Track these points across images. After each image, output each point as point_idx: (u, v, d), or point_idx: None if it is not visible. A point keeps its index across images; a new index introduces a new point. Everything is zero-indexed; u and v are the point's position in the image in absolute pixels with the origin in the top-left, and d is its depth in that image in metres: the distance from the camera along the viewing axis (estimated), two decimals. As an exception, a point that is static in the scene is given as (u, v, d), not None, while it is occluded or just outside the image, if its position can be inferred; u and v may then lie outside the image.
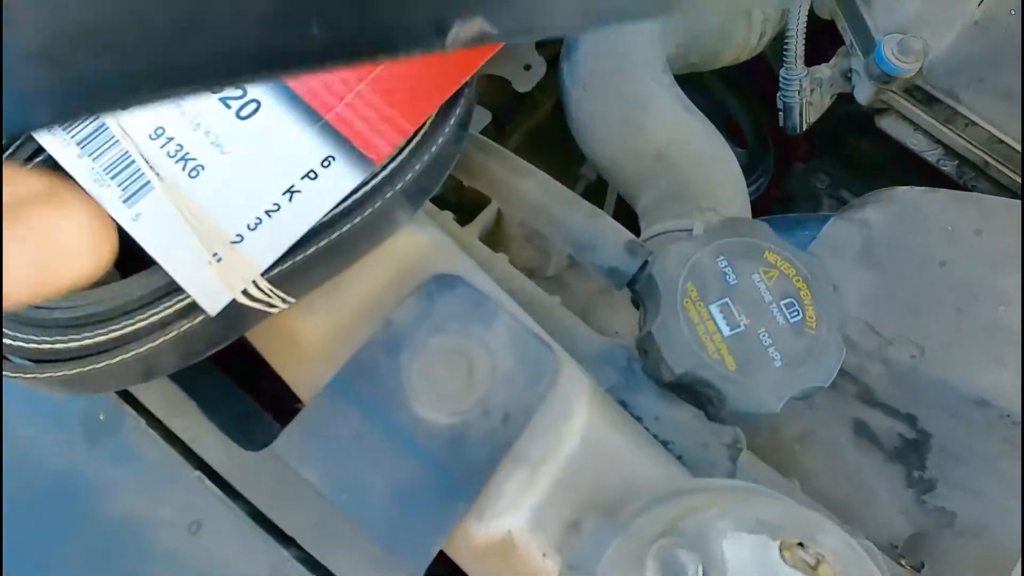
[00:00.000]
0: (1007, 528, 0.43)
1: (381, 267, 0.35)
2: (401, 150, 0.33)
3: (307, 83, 0.34)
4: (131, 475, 0.35)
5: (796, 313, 0.35)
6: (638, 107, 0.46)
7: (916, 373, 0.43)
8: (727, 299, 0.35)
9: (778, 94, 0.55)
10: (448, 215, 0.45)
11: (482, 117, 0.68)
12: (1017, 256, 0.43)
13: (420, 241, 0.36)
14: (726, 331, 0.34)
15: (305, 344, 0.34)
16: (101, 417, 0.36)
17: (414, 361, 0.33)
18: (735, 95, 0.69)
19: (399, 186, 0.33)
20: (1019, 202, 0.45)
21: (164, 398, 0.34)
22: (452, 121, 0.34)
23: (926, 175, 0.58)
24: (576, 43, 0.49)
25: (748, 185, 0.72)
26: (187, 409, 0.34)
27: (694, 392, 0.35)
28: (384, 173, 0.33)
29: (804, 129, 0.56)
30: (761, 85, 0.66)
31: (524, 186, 0.38)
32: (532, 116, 0.78)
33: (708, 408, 0.35)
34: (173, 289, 0.31)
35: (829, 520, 0.26)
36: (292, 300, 0.33)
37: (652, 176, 0.46)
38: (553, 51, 0.65)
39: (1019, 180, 0.51)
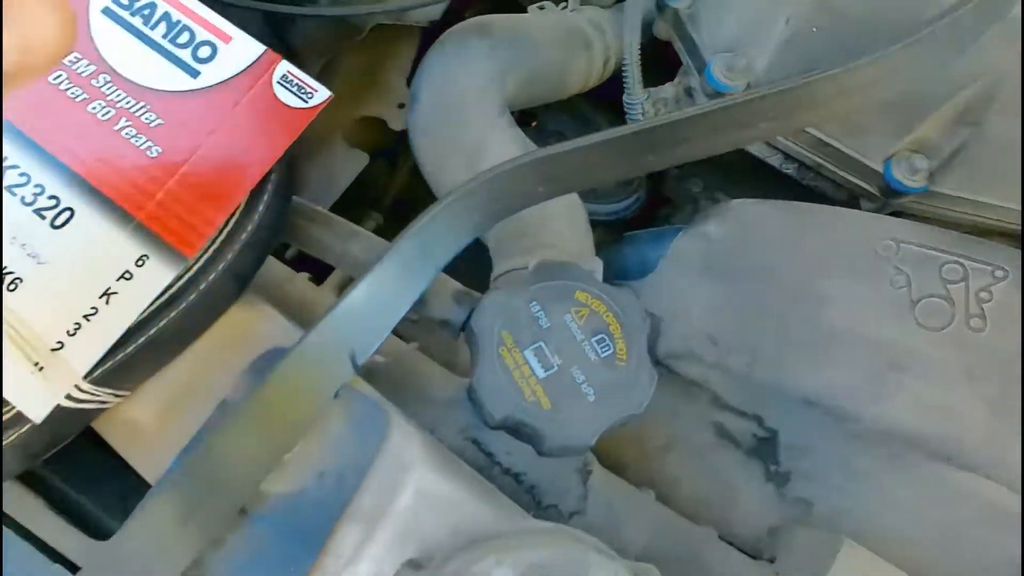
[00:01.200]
0: (848, 508, 0.46)
1: (213, 349, 0.37)
2: (214, 240, 0.35)
3: (119, 186, 0.35)
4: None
5: (607, 347, 0.38)
6: (476, 153, 0.48)
7: (750, 379, 0.46)
8: (541, 342, 0.37)
9: (626, 118, 0.58)
10: (303, 277, 0.47)
11: (359, 160, 0.71)
12: (834, 260, 0.46)
13: (251, 318, 0.38)
14: (541, 373, 0.37)
15: (145, 431, 0.36)
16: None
17: (247, 438, 0.35)
18: (603, 112, 0.72)
19: (212, 276, 0.35)
20: (837, 209, 0.48)
21: (16, 497, 0.36)
22: (261, 207, 0.36)
23: (786, 177, 0.61)
24: (417, 93, 0.51)
25: (627, 197, 0.75)
26: (36, 505, 0.36)
27: (518, 433, 0.37)
28: (198, 265, 0.35)
29: (655, 147, 0.59)
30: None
31: (350, 249, 0.40)
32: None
33: (533, 445, 0.38)
34: (-1, 400, 0.33)
35: (603, 555, 0.28)
36: (125, 393, 0.35)
37: (495, 218, 0.48)
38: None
39: (852, 179, 0.54)
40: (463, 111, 0.49)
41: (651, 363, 0.38)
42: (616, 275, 0.59)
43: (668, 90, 0.59)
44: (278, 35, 0.60)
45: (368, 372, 0.45)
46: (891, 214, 0.56)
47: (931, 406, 0.41)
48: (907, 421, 0.41)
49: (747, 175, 0.66)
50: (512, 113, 0.59)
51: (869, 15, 0.47)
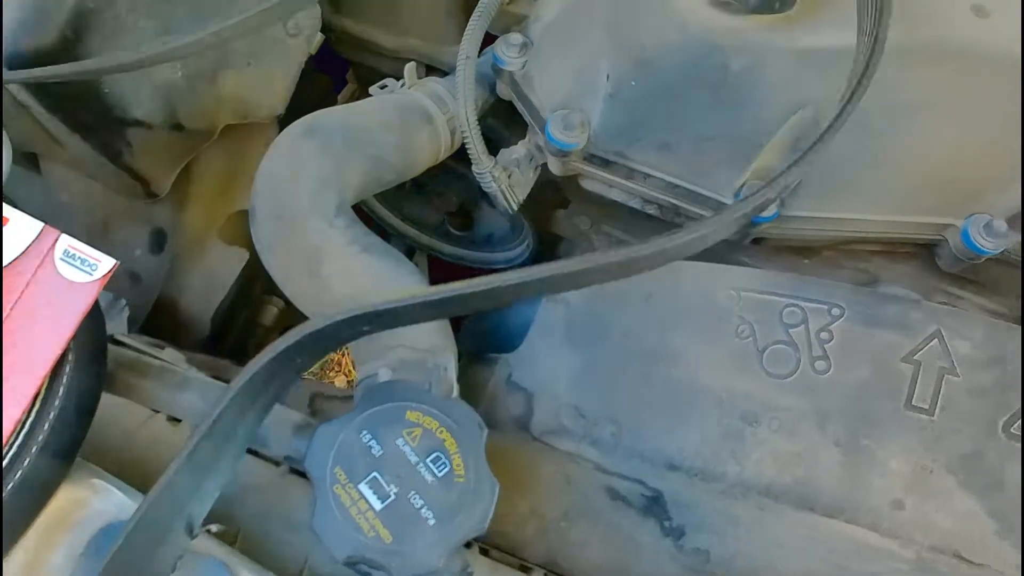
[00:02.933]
0: (740, 552, 0.45)
1: (47, 533, 0.36)
2: (18, 433, 0.34)
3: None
4: None
5: (444, 466, 0.37)
6: (315, 259, 0.47)
7: (619, 448, 0.45)
8: (375, 473, 0.37)
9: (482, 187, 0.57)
10: (161, 418, 0.46)
11: (239, 256, 0.70)
12: (682, 315, 0.45)
13: (82, 496, 0.37)
14: (378, 506, 0.36)
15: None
16: None
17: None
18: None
19: (20, 472, 0.34)
20: (682, 263, 0.47)
21: None
22: (62, 390, 0.35)
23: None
24: (254, 208, 0.50)
25: (515, 248, 0.74)
26: None
27: (367, 566, 0.37)
28: (5, 462, 0.34)
29: (516, 209, 0.58)
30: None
31: (184, 399, 0.40)
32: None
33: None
34: None
35: None
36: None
37: (346, 323, 0.47)
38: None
39: (707, 214, 0.54)
40: (298, 220, 0.48)
41: (491, 473, 0.37)
42: (503, 338, 0.59)
43: (519, 149, 0.58)
44: (113, 158, 0.59)
45: (230, 504, 0.44)
46: (752, 241, 0.56)
47: (786, 457, 0.41)
48: (765, 476, 0.41)
49: (630, 210, 0.66)
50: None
51: (680, 66, 0.47)
